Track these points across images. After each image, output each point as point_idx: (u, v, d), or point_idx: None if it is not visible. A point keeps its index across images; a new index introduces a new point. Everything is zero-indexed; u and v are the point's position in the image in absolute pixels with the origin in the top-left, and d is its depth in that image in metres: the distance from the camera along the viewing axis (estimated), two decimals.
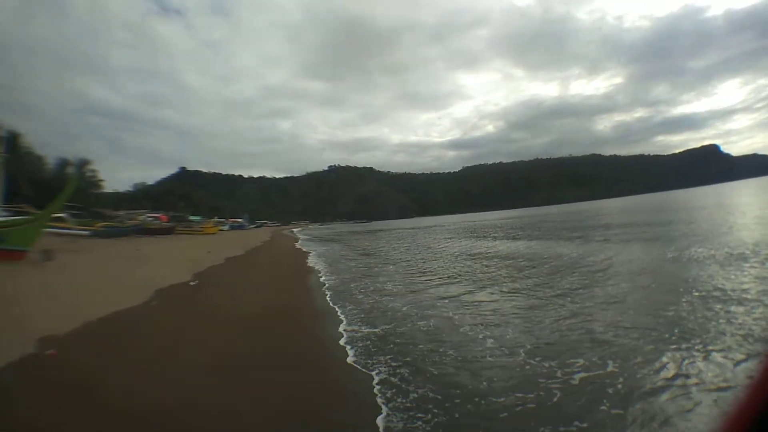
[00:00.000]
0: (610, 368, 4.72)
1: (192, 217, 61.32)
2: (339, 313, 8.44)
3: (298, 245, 33.72)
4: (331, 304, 9.43)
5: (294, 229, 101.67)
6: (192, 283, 11.14)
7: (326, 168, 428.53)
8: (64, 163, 65.00)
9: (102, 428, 3.60)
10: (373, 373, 5.10)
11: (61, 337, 5.79)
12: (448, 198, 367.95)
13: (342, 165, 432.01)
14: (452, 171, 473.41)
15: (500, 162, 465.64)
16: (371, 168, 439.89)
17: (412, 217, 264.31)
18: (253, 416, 3.92)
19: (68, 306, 7.50)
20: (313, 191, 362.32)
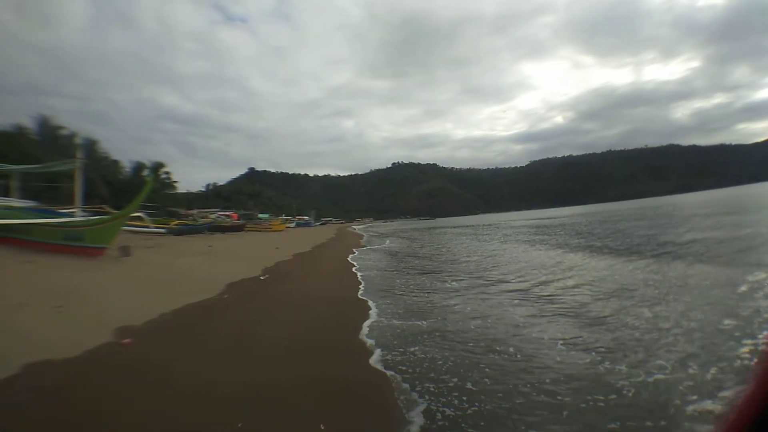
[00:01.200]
0: None
1: (261, 215, 63.94)
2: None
3: (362, 242, 33.90)
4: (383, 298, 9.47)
5: (357, 226, 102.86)
6: (262, 278, 11.38)
7: (389, 165, 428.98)
8: (139, 167, 69.12)
9: (173, 414, 3.71)
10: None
11: (138, 327, 6.18)
12: (514, 194, 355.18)
13: (405, 162, 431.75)
14: (518, 165, 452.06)
15: (570, 155, 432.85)
16: (435, 164, 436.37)
17: (476, 213, 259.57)
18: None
19: (145, 298, 7.97)
20: (377, 188, 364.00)
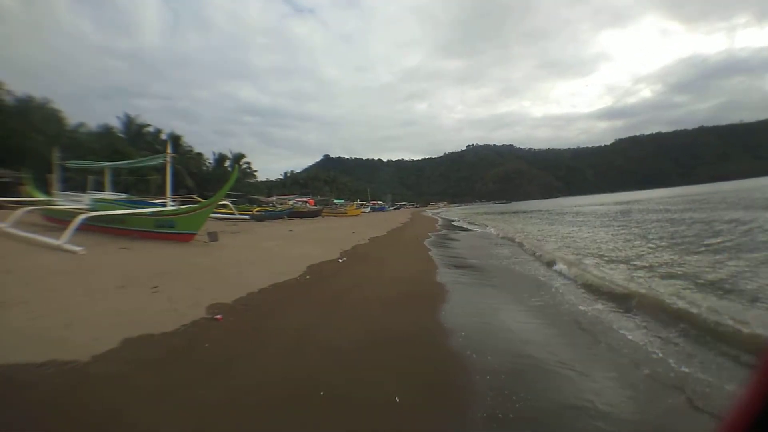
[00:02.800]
0: None
1: (336, 201, 65.17)
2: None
3: (437, 225, 33.81)
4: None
5: (431, 211, 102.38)
6: (340, 260, 11.68)
7: (464, 147, 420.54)
8: (221, 158, 72.67)
9: (262, 380, 4.02)
10: None
11: (229, 305, 6.56)
12: (598, 175, 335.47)
13: (480, 144, 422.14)
14: (602, 144, 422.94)
15: (659, 132, 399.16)
16: (511, 145, 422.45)
17: (556, 196, 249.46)
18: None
19: (233, 279, 8.46)
20: (451, 172, 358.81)
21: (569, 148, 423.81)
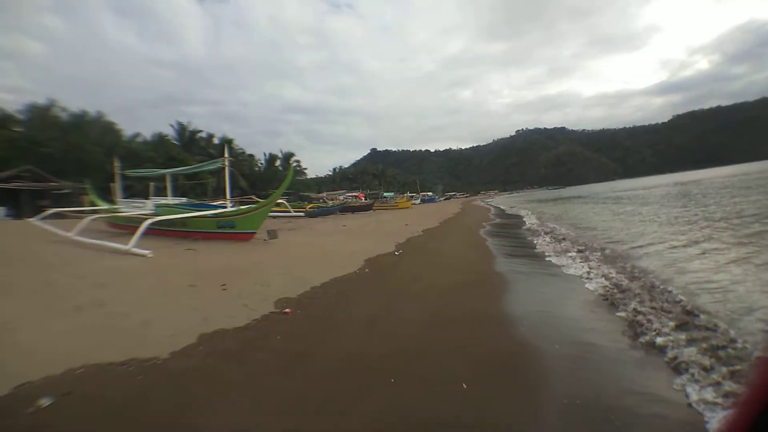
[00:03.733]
0: None
1: (386, 194, 65.33)
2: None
3: (490, 215, 33.44)
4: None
5: (482, 199, 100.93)
6: (396, 253, 11.76)
7: (513, 133, 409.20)
8: (271, 158, 74.44)
9: (333, 371, 4.14)
10: None
11: (294, 299, 6.74)
12: (656, 155, 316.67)
13: (530, 128, 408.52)
14: (659, 122, 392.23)
15: (718, 105, 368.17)
16: (563, 128, 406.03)
17: (613, 179, 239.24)
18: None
19: (296, 274, 8.65)
20: (501, 159, 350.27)
21: (624, 128, 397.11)
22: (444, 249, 13.28)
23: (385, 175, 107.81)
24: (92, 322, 5.50)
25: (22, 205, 32.14)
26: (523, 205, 50.11)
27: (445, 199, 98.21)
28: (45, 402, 3.40)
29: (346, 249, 12.64)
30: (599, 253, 10.87)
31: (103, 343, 4.76)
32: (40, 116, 47.89)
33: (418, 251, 12.46)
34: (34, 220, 19.95)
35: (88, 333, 5.11)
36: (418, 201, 69.57)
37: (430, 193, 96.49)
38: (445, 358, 4.40)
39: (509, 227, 21.17)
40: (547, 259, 10.76)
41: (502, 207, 49.46)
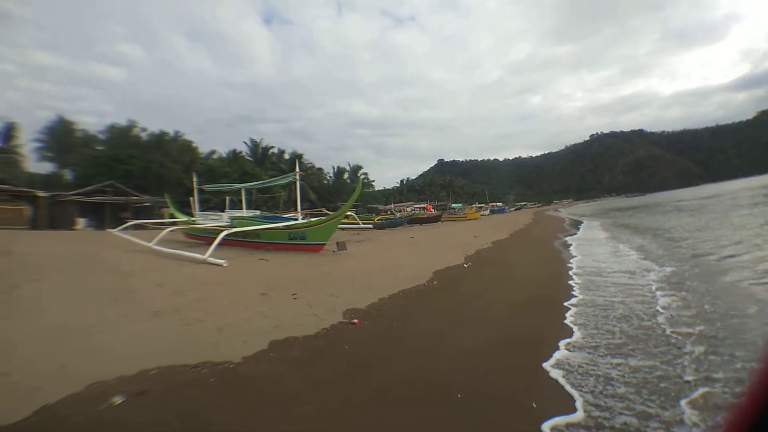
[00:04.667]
0: None
1: (454, 205, 64.72)
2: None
3: (565, 225, 32.33)
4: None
5: (555, 210, 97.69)
6: (465, 265, 11.64)
7: (587, 138, 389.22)
8: (339, 172, 76.47)
9: (400, 382, 4.16)
10: None
11: (363, 310, 6.81)
12: (741, 155, 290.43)
13: (605, 132, 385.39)
14: (744, 120, 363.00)
15: None
16: (640, 130, 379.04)
17: (696, 184, 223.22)
18: None
19: (363, 285, 8.75)
20: (574, 166, 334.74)
21: (707, 127, 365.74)
22: (514, 261, 12.98)
23: (452, 185, 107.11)
24: (168, 327, 5.80)
25: (105, 217, 34.95)
26: (600, 216, 47.99)
27: (515, 210, 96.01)
28: (117, 400, 3.60)
29: (414, 261, 12.63)
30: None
31: (178, 346, 5.00)
32: (121, 136, 52.97)
33: (487, 264, 12.27)
34: (115, 231, 21.47)
35: (163, 337, 5.39)
36: (488, 212, 68.42)
37: (499, 204, 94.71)
38: (516, 378, 4.25)
39: (583, 239, 20.12)
40: (623, 273, 10.27)
41: (575, 218, 47.71)
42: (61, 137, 51.90)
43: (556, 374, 4.32)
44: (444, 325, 6.01)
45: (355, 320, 6.12)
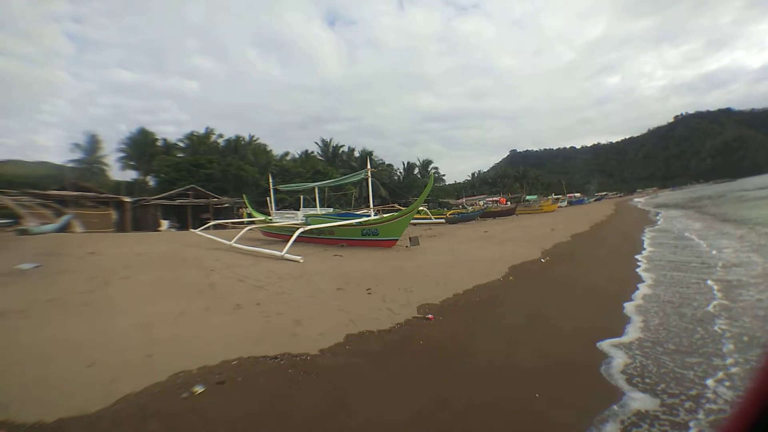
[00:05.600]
0: None
1: (528, 197, 62.79)
2: None
3: (649, 216, 30.43)
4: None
5: (638, 199, 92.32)
6: (542, 260, 11.29)
7: (671, 120, 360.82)
8: (409, 167, 77.03)
9: (472, 381, 4.07)
10: None
11: (437, 305, 6.77)
12: None
13: (690, 112, 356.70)
14: None
15: None
16: (728, 109, 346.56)
17: None
18: None
19: (437, 281, 8.71)
20: (658, 150, 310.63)
21: None
22: (596, 256, 12.39)
23: (527, 177, 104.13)
24: (249, 320, 6.11)
25: (187, 218, 37.59)
26: (690, 205, 44.83)
27: (595, 201, 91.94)
28: (199, 389, 3.83)
29: (489, 255, 12.39)
30: None
31: (258, 338, 5.25)
32: (200, 142, 57.75)
33: (566, 258, 11.84)
34: (197, 231, 22.85)
35: (244, 329, 5.67)
36: (565, 203, 65.77)
37: (578, 195, 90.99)
38: (599, 381, 3.99)
39: (677, 234, 18.04)
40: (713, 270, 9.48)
41: (661, 208, 44.93)
42: (142, 147, 56.81)
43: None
44: (521, 322, 5.85)
45: (430, 315, 6.11)
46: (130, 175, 58.15)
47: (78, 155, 56.04)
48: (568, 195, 78.93)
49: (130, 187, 49.73)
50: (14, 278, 9.75)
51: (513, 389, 3.82)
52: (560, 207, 56.44)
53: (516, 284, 8.49)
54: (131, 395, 3.74)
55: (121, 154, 57.41)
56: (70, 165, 53.59)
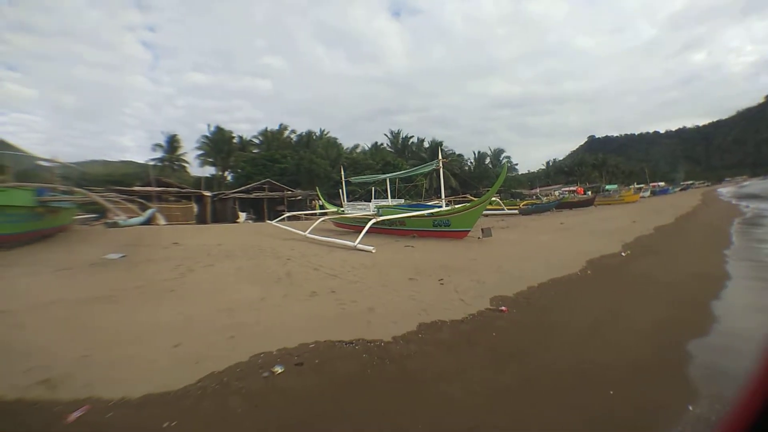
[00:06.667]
0: None
1: (608, 186, 59.74)
2: None
3: (742, 208, 27.84)
4: None
5: (727, 189, 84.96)
6: (623, 254, 10.83)
7: (762, 99, 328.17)
8: (480, 157, 76.28)
9: (549, 369, 4.10)
10: None
11: (511, 298, 6.71)
12: None
13: None
14: None
15: None
16: None
17: None
18: None
19: (510, 273, 8.64)
20: (748, 134, 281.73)
21: None
22: (681, 250, 11.65)
23: (606, 164, 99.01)
24: (325, 306, 6.35)
25: (263, 210, 39.59)
26: None
27: (681, 190, 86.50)
28: (278, 369, 4.07)
29: (565, 248, 12.08)
30: None
31: (334, 324, 5.47)
32: (274, 138, 60.81)
33: (648, 253, 11.29)
34: (273, 222, 23.88)
35: (320, 314, 5.92)
36: (647, 193, 62.11)
37: (662, 184, 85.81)
38: (678, 381, 3.80)
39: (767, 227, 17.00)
40: None
41: (753, 200, 41.17)
42: (219, 144, 60.65)
43: None
44: (598, 318, 5.67)
45: (503, 307, 6.07)
46: (209, 170, 62.49)
47: (159, 154, 61.32)
48: (651, 184, 74.38)
49: (208, 182, 53.36)
50: (103, 267, 10.48)
51: (586, 385, 3.75)
52: (642, 197, 53.37)
53: (594, 278, 8.24)
54: (215, 373, 4.02)
55: (200, 152, 61.76)
56: (152, 163, 58.20)
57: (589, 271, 8.80)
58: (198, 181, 51.06)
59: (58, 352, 4.56)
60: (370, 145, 74.09)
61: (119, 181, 42.73)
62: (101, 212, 28.25)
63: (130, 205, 28.28)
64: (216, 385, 3.81)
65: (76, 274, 9.54)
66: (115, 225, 22.48)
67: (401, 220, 16.84)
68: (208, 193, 40.80)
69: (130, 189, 35.65)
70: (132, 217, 25.90)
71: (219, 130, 62.96)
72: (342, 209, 23.95)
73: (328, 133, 68.59)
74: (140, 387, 3.72)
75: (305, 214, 30.77)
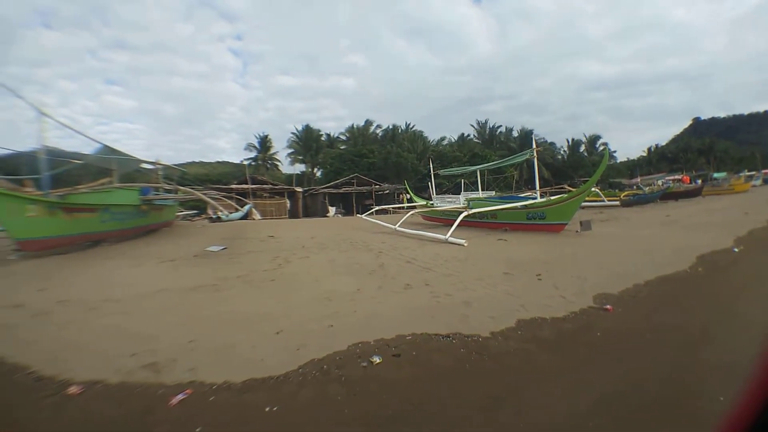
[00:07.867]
0: None
1: (716, 175, 54.56)
2: None
3: None
4: None
5: None
6: (735, 249, 10.00)
7: None
8: (574, 144, 73.42)
9: (656, 375, 3.84)
10: None
11: (615, 296, 6.37)
12: None
13: None
14: None
15: None
16: None
17: None
18: None
19: (614, 269, 8.21)
20: None
21: None
22: None
23: (713, 150, 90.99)
24: (420, 299, 6.39)
25: (352, 204, 41.16)
26: None
27: None
28: (376, 359, 4.15)
29: (672, 243, 11.21)
30: None
31: (429, 316, 5.46)
32: (360, 134, 63.09)
33: (764, 247, 10.47)
34: (363, 216, 24.39)
35: (416, 307, 5.94)
36: (758, 181, 56.01)
37: None
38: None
39: None
40: None
41: None
42: (308, 142, 63.80)
43: None
44: (711, 318, 5.26)
45: (608, 306, 5.78)
46: (299, 168, 65.96)
47: (252, 154, 66.03)
48: (763, 171, 67.04)
49: (299, 179, 56.36)
50: (205, 259, 11.17)
51: (696, 389, 3.55)
52: (753, 186, 48.46)
53: (705, 276, 7.64)
54: (315, 361, 4.17)
55: (290, 150, 65.21)
56: (246, 162, 62.26)
57: (700, 268, 8.19)
58: (289, 178, 53.83)
59: (162, 338, 4.88)
60: (456, 137, 73.45)
61: (217, 180, 46.32)
62: (201, 209, 30.38)
63: (229, 202, 30.10)
64: (316, 372, 3.94)
65: (180, 265, 10.21)
66: (218, 220, 23.97)
67: (493, 213, 16.48)
68: (299, 189, 43.16)
69: (228, 187, 38.32)
70: (232, 212, 27.55)
71: (307, 129, 65.76)
72: (431, 202, 23.97)
73: (413, 126, 68.98)
74: (243, 372, 3.91)
75: (393, 208, 31.13)
